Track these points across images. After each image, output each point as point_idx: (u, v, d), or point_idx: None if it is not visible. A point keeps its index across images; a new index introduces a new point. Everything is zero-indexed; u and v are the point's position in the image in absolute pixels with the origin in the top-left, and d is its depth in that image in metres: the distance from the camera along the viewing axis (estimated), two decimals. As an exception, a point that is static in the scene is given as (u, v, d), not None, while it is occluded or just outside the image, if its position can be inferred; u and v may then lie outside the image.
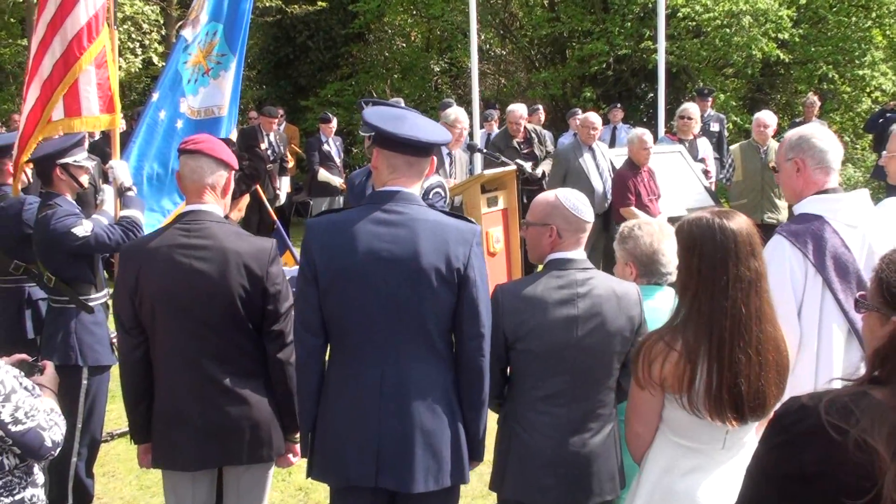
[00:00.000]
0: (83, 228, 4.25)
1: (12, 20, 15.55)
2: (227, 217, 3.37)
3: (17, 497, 2.70)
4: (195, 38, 5.59)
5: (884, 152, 4.13)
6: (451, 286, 2.80)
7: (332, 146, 11.86)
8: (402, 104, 7.99)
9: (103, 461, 5.23)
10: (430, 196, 5.08)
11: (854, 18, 15.36)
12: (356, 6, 17.51)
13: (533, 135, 9.58)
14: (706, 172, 8.88)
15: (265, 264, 3.16)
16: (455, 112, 6.99)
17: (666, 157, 8.60)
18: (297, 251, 5.71)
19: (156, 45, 15.78)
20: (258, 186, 5.52)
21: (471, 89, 10.55)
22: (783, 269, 3.13)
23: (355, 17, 17.90)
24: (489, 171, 6.81)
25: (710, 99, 11.20)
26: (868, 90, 15.22)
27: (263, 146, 10.82)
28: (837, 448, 1.56)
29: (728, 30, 14.23)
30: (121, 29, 13.89)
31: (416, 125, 2.92)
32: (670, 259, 3.22)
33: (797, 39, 14.55)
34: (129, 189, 4.72)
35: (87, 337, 4.35)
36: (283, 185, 11.52)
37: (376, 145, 2.94)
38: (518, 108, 9.59)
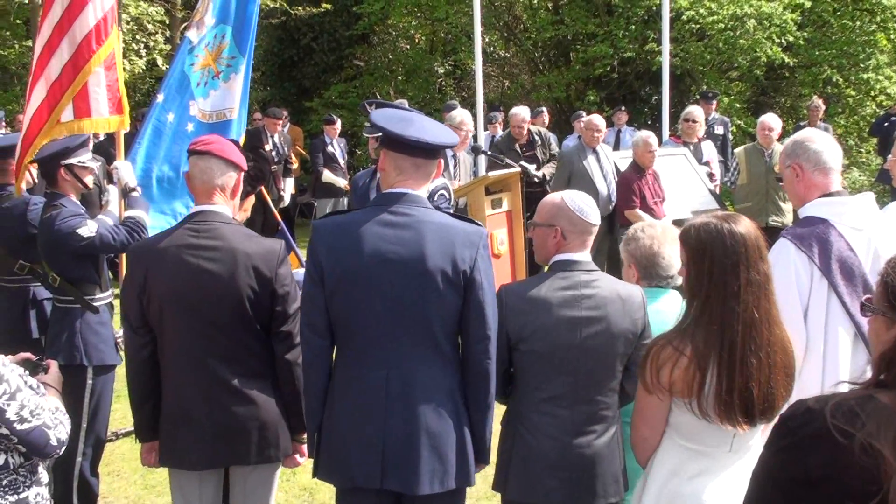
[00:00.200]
0: (88, 229, 4.25)
1: (18, 21, 15.57)
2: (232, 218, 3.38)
3: (22, 496, 2.71)
4: (201, 40, 5.60)
5: (889, 156, 4.13)
6: (458, 288, 2.80)
7: (337, 148, 11.86)
8: (406, 106, 8.00)
9: (108, 460, 5.23)
10: (435, 198, 5.08)
11: (858, 22, 15.35)
12: (360, 8, 17.50)
13: (537, 137, 9.58)
14: (710, 175, 8.88)
15: (274, 266, 3.17)
16: (461, 114, 6.99)
17: (670, 160, 8.60)
18: (301, 252, 5.71)
19: (161, 46, 15.78)
20: (262, 188, 5.52)
21: (475, 91, 10.56)
22: (788, 272, 3.13)
23: (359, 19, 17.90)
24: (493, 173, 6.81)
25: (714, 102, 11.20)
26: (873, 94, 15.20)
27: (268, 147, 10.83)
28: (843, 452, 1.56)
29: (732, 33, 14.22)
30: (125, 30, 13.91)
31: (424, 127, 2.92)
32: (671, 262, 3.22)
33: (801, 43, 14.53)
34: (134, 190, 4.73)
35: (91, 337, 4.36)
36: (288, 187, 11.53)
37: (384, 147, 2.95)
38: (521, 112, 9.58)
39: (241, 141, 5.65)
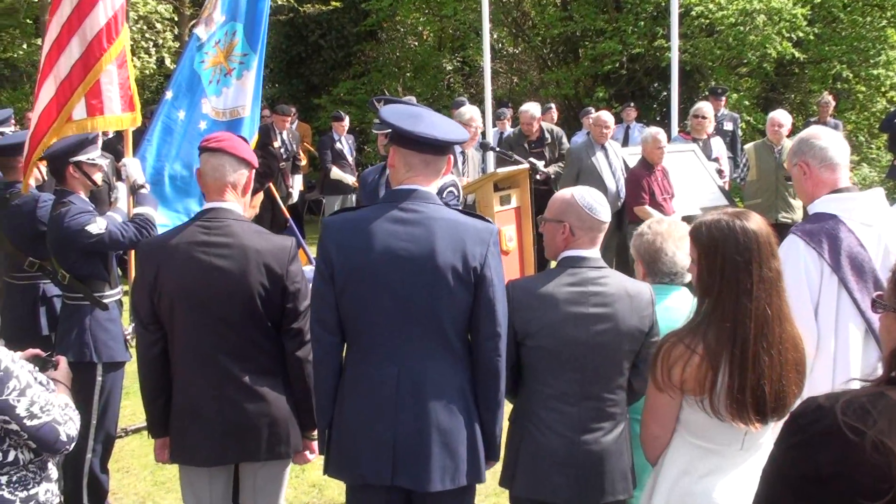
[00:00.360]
0: (97, 226, 4.26)
1: (27, 20, 15.62)
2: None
3: (32, 492, 2.72)
4: (210, 37, 5.60)
5: (899, 152, 4.11)
6: (468, 285, 2.80)
7: (345, 144, 11.87)
8: (415, 102, 8.00)
9: (118, 457, 5.25)
10: (444, 195, 5.08)
11: (868, 18, 15.26)
12: (368, 5, 17.49)
13: (548, 134, 9.56)
14: (720, 172, 8.85)
15: (285, 263, 3.17)
16: (469, 111, 6.99)
17: (679, 157, 8.57)
18: (309, 249, 5.72)
19: (170, 43, 15.82)
20: (271, 184, 5.53)
21: (483, 88, 10.56)
22: (798, 268, 3.12)
23: (367, 16, 17.89)
24: (502, 170, 6.80)
25: (723, 98, 11.15)
26: (883, 90, 15.11)
27: (276, 144, 10.86)
28: (854, 449, 1.55)
29: (742, 28, 14.16)
30: (134, 28, 13.93)
31: (434, 123, 2.91)
32: (675, 259, 3.21)
33: (811, 38, 14.46)
34: (143, 187, 4.74)
35: (101, 334, 4.37)
36: (296, 184, 11.55)
37: (393, 143, 2.94)
38: (530, 108, 9.57)
39: (255, 139, 5.65)
